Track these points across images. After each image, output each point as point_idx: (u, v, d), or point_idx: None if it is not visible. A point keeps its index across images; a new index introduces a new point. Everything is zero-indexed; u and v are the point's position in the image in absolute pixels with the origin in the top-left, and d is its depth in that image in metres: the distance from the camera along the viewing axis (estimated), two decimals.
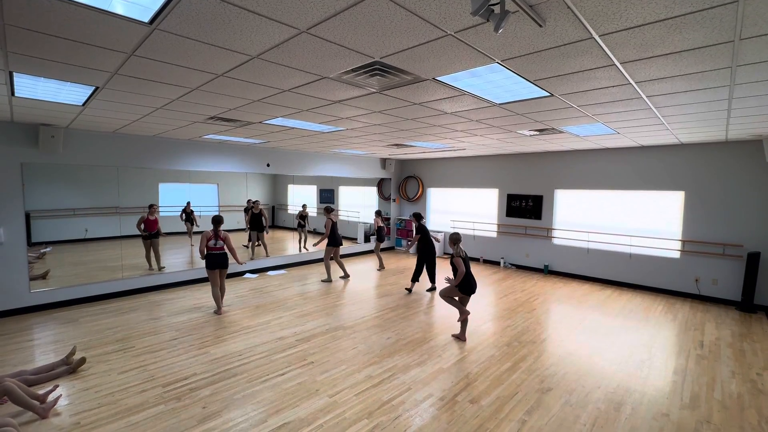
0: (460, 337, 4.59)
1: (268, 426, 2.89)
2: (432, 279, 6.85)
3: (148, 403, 3.19)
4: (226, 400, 3.24)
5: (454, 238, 4.63)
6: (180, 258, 7.96)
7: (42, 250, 6.14)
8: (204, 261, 5.28)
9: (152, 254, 6.87)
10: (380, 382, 3.57)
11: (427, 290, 6.78)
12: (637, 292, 6.91)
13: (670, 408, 3.23)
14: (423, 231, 6.66)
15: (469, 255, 9.60)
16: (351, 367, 3.86)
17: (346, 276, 7.59)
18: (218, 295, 5.40)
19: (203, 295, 6.29)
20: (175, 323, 5.00)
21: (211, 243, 5.25)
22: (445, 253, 10.29)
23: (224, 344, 4.36)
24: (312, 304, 5.88)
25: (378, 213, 8.68)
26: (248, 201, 8.63)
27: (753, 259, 5.70)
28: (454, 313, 5.54)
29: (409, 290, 6.68)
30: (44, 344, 4.34)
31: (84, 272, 6.35)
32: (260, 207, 8.26)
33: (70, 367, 3.64)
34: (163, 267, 6.97)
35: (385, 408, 3.15)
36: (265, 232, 8.38)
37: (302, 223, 9.28)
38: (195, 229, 8.15)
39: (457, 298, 4.69)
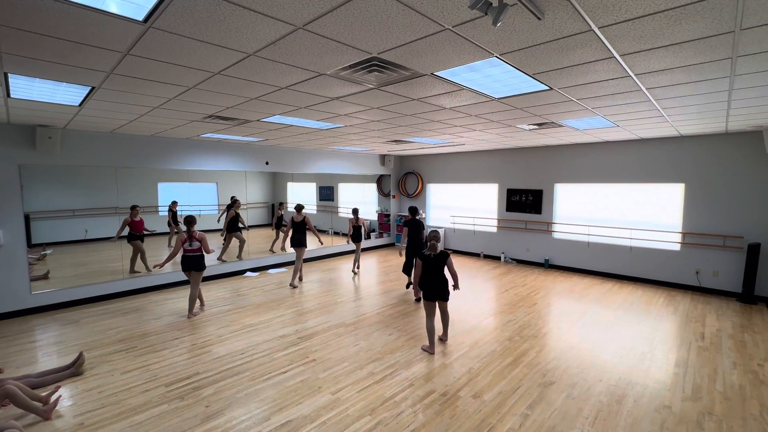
0: (429, 350, 4.11)
1: (272, 424, 2.90)
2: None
3: (151, 402, 3.20)
4: (229, 398, 3.25)
5: (430, 235, 4.13)
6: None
7: (43, 252, 6.14)
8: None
9: (138, 257, 6.65)
10: (382, 378, 3.58)
11: (407, 287, 6.55)
12: (637, 285, 6.92)
13: (672, 400, 3.24)
14: (409, 225, 6.15)
15: (468, 251, 9.67)
16: (353, 364, 3.87)
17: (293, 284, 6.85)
18: (195, 297, 5.23)
19: (204, 294, 6.29)
20: (177, 323, 5.00)
21: (186, 245, 5.08)
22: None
23: (226, 343, 4.36)
24: (313, 302, 5.89)
25: (355, 212, 7.89)
26: (232, 198, 8.11)
27: (753, 251, 5.69)
28: (455, 308, 5.55)
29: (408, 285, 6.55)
30: (46, 346, 4.34)
31: (85, 273, 6.35)
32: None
33: (73, 369, 3.63)
34: (155, 267, 6.88)
35: (387, 404, 3.16)
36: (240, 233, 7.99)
37: (279, 222, 8.93)
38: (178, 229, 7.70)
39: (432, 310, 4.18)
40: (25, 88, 3.32)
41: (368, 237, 10.86)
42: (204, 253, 5.22)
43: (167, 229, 7.68)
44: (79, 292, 5.83)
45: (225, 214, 7.97)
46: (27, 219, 5.47)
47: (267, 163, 8.21)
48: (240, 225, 7.91)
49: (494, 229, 9.23)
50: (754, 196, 5.90)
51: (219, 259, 7.76)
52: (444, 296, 4.11)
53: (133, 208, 6.56)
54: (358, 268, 8.04)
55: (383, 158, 10.74)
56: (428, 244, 4.10)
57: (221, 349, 4.21)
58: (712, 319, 5.17)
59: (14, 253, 5.26)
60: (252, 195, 8.68)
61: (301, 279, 7.21)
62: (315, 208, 10.78)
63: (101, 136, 5.96)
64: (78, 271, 6.41)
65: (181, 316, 5.25)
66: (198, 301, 5.33)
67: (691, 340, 4.47)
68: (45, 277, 5.89)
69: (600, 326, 4.87)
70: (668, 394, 3.34)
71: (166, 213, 7.66)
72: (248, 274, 7.73)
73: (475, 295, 6.21)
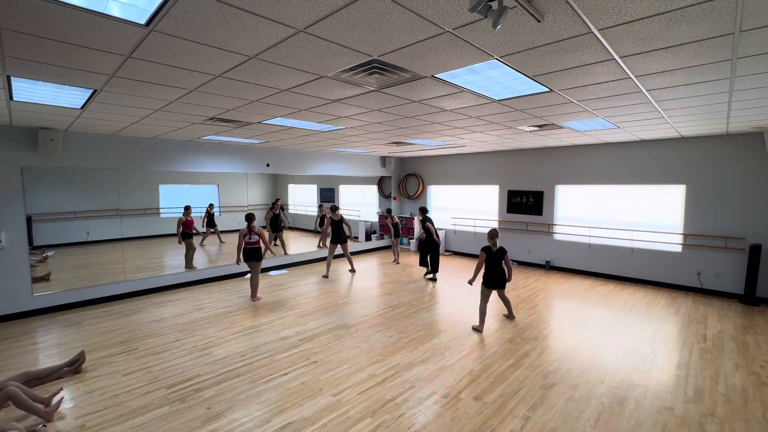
0: (478, 329, 4.81)
1: (273, 426, 2.90)
2: (434, 269, 7.35)
3: (152, 404, 3.20)
4: (230, 400, 3.25)
5: (491, 233, 4.81)
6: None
7: (44, 254, 6.16)
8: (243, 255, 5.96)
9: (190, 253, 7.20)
10: (383, 380, 3.58)
11: (426, 276, 7.43)
12: (639, 286, 6.91)
13: (674, 402, 3.23)
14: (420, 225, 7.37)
15: (470, 252, 9.67)
16: (354, 365, 3.87)
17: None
18: (257, 282, 6.04)
19: (205, 296, 6.30)
20: (178, 324, 5.01)
21: (246, 238, 5.88)
22: (446, 250, 10.27)
23: (227, 345, 4.37)
24: (314, 304, 5.89)
25: (389, 211, 9.18)
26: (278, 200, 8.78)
27: (755, 252, 5.68)
28: (457, 310, 5.57)
29: (426, 275, 7.49)
30: (48, 347, 4.35)
31: (86, 275, 6.36)
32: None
33: (73, 366, 3.65)
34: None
35: (388, 406, 3.16)
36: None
37: (322, 222, 9.58)
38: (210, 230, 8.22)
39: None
40: (27, 91, 3.34)
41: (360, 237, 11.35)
42: (261, 245, 5.99)
43: (203, 229, 8.11)
44: (81, 294, 5.84)
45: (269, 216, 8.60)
46: (29, 221, 5.49)
47: (268, 165, 8.23)
48: (281, 225, 8.71)
49: None
50: (756, 197, 5.89)
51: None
52: (502, 285, 4.82)
53: (187, 208, 7.10)
54: (397, 261, 9.12)
55: (384, 160, 10.75)
56: (491, 240, 4.75)
57: (222, 351, 4.21)
58: (714, 320, 5.15)
59: (16, 255, 5.28)
60: (253, 197, 8.70)
61: (326, 276, 7.63)
62: (316, 209, 10.80)
63: (103, 139, 5.99)
64: (79, 273, 6.43)
65: (182, 316, 5.27)
66: (254, 288, 6.07)
67: (692, 341, 4.46)
68: (46, 278, 5.90)
69: (601, 328, 4.86)
70: (670, 395, 3.33)
71: (179, 215, 7.77)
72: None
73: (476, 297, 6.19)
